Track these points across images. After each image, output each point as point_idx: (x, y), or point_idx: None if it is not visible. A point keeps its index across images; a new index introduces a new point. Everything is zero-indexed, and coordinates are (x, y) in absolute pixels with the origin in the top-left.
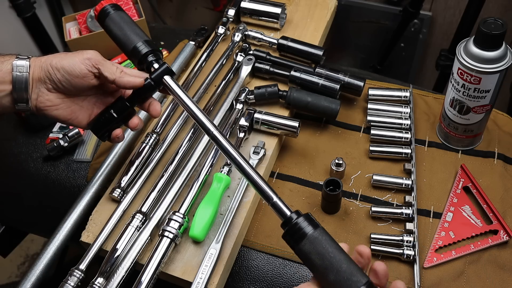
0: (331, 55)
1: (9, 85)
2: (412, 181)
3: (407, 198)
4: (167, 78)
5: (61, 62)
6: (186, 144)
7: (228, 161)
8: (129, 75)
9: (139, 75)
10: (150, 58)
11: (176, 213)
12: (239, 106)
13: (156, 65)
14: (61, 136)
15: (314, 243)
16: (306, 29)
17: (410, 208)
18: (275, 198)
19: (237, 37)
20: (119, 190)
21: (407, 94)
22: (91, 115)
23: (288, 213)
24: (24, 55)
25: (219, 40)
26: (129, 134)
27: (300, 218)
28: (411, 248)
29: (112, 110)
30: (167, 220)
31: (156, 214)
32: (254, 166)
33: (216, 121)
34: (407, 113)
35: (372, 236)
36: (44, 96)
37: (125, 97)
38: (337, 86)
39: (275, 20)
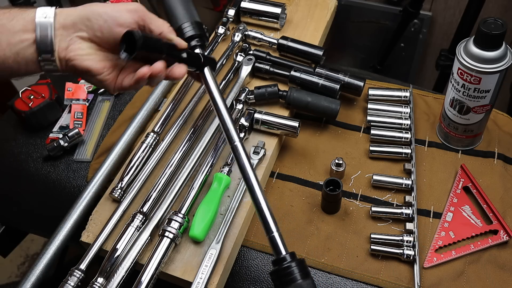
0: (331, 55)
1: (32, 34)
2: (412, 181)
3: (407, 198)
4: (207, 70)
5: (104, 8)
6: (186, 144)
7: (229, 161)
8: (175, 36)
9: (182, 42)
10: (194, 42)
11: (176, 213)
12: (239, 106)
13: (198, 52)
14: (61, 136)
15: None
16: (306, 29)
17: (410, 208)
18: (275, 232)
19: (237, 37)
20: (119, 190)
21: (407, 94)
22: (122, 80)
23: (284, 252)
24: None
25: (219, 40)
26: (129, 134)
27: (293, 263)
28: (411, 248)
29: (162, 44)
30: (167, 220)
31: (156, 214)
32: (254, 166)
33: (216, 121)
34: (407, 113)
35: (372, 236)
36: (76, 44)
37: None
38: (337, 86)
39: (275, 20)
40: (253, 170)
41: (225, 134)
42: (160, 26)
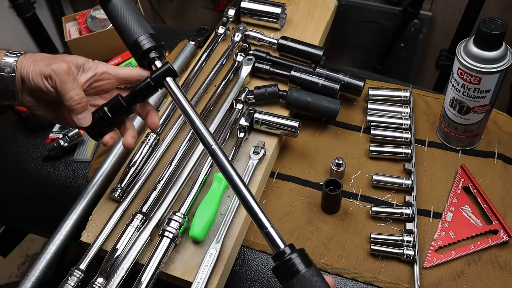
0: (331, 55)
1: None
2: (412, 181)
3: (407, 198)
4: (169, 80)
5: (27, 72)
6: (186, 144)
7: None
8: (83, 115)
9: (87, 117)
10: (153, 54)
11: (176, 213)
12: (239, 106)
13: (158, 64)
14: (61, 136)
15: (305, 284)
16: (306, 29)
17: (410, 208)
18: (269, 228)
19: (237, 37)
20: (119, 190)
21: (407, 94)
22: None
23: (282, 246)
24: (17, 50)
25: (219, 40)
26: None
27: (294, 254)
28: (411, 248)
29: (106, 108)
30: (167, 220)
31: (156, 214)
32: (254, 166)
33: (216, 121)
34: (407, 113)
35: (372, 236)
36: (25, 96)
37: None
38: (337, 86)
39: (275, 20)
40: (236, 171)
41: (200, 141)
42: (69, 99)
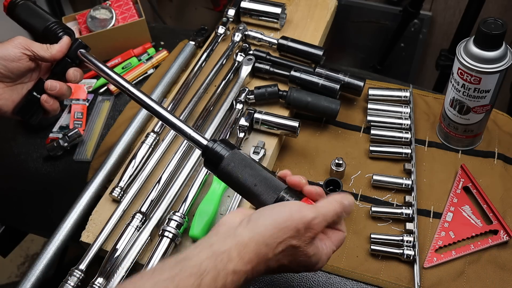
0: (331, 55)
1: None
2: (412, 181)
3: (407, 198)
4: (83, 51)
5: None
6: (186, 144)
7: None
8: (58, 44)
9: (64, 41)
10: (59, 30)
11: (176, 213)
12: (239, 106)
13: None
14: (61, 136)
15: (233, 159)
16: (306, 29)
17: (410, 208)
18: (191, 132)
19: (237, 37)
20: (119, 190)
21: (407, 94)
22: None
23: (205, 142)
24: None
25: (219, 40)
26: (129, 134)
27: (216, 143)
28: (411, 248)
29: (34, 92)
30: (167, 220)
31: (156, 214)
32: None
33: (216, 121)
34: (407, 113)
35: (372, 236)
36: None
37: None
38: (337, 86)
39: (275, 20)
40: (152, 99)
41: (119, 88)
42: (46, 50)
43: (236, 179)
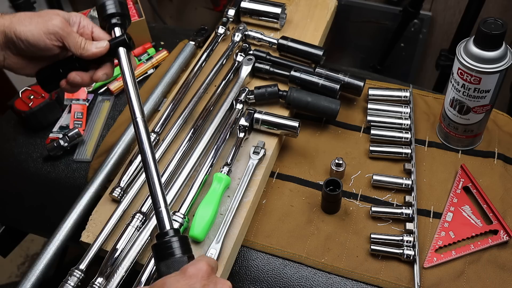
0: (331, 55)
1: None
2: (412, 181)
3: (407, 198)
4: (121, 51)
5: (25, 33)
6: (186, 144)
7: (229, 160)
8: (94, 45)
9: (101, 45)
10: (114, 20)
11: (176, 213)
12: (239, 106)
13: (117, 31)
14: (61, 136)
15: (174, 267)
16: (306, 29)
17: (410, 208)
18: (162, 208)
19: (237, 37)
20: (119, 190)
21: (407, 94)
22: None
23: (168, 227)
24: None
25: (219, 40)
26: (129, 134)
27: (175, 237)
28: (411, 248)
29: (61, 69)
30: None
31: None
32: (254, 166)
33: (216, 121)
34: (407, 113)
35: (372, 236)
36: (11, 58)
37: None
38: (337, 86)
39: (275, 20)
40: (151, 147)
41: (130, 109)
42: (78, 47)
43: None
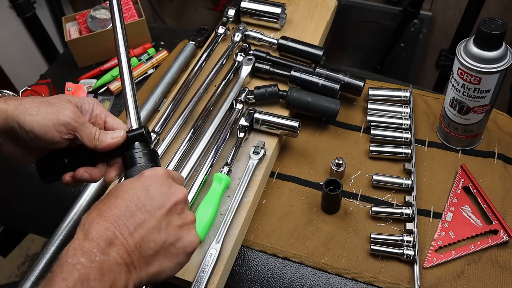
0: (331, 55)
1: None
2: (412, 181)
3: (407, 198)
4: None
5: (30, 124)
6: (186, 144)
7: (229, 160)
8: (110, 135)
9: (118, 135)
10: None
11: None
12: (239, 106)
13: (133, 122)
14: None
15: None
16: (306, 29)
17: (410, 208)
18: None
19: (237, 37)
20: None
21: (407, 94)
22: None
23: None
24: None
25: (219, 40)
26: None
27: (143, 149)
28: (411, 248)
29: (66, 160)
30: None
31: None
32: (254, 166)
33: (216, 121)
34: (407, 113)
35: (372, 236)
36: (9, 147)
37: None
38: (337, 86)
39: (275, 20)
40: (131, 76)
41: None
42: (91, 139)
43: None
